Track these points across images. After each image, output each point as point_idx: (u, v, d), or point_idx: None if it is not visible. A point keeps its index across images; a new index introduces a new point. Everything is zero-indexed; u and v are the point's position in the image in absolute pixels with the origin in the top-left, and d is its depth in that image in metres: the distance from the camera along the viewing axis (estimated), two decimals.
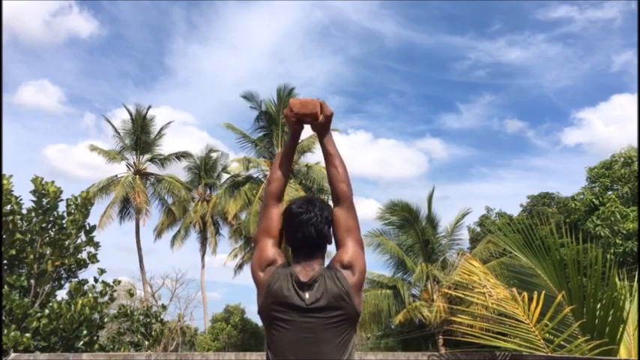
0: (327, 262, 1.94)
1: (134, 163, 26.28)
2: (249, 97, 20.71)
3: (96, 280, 7.07)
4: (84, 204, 7.10)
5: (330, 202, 2.13)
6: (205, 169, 29.07)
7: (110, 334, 8.32)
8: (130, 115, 25.93)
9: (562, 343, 3.84)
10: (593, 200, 19.15)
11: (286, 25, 63.18)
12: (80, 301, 6.43)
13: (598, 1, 53.56)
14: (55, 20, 55.05)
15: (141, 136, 25.91)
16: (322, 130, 1.99)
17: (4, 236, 6.37)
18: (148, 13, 58.82)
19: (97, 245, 7.21)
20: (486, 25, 60.58)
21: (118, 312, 7.70)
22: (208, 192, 29.05)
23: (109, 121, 26.32)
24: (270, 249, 1.89)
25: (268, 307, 1.80)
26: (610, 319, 3.82)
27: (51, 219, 6.85)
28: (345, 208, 1.92)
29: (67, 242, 6.90)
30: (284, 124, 20.45)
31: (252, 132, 21.16)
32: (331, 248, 2.05)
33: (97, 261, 7.22)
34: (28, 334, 5.78)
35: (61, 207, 6.98)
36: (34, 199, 6.74)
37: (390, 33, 61.05)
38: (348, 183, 1.96)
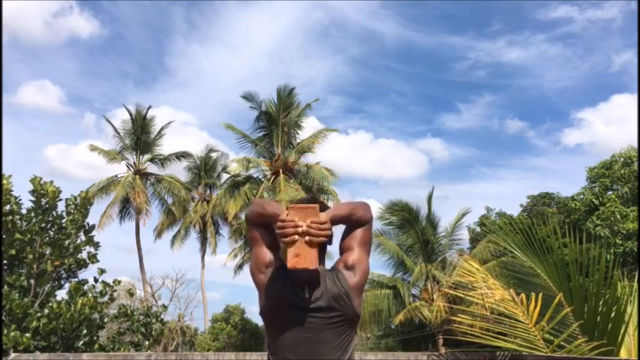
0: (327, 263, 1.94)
1: (134, 163, 26.28)
2: (249, 97, 20.70)
3: (96, 280, 7.06)
4: (83, 204, 7.10)
5: (330, 203, 2.12)
6: (205, 169, 29.06)
7: (110, 334, 8.31)
8: (130, 115, 25.95)
9: (562, 343, 3.84)
10: (593, 200, 19.15)
11: (286, 25, 63.20)
12: (80, 301, 6.42)
13: (598, 1, 53.58)
14: (56, 21, 55.11)
15: (141, 136, 25.89)
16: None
17: (3, 236, 6.37)
18: (147, 13, 58.85)
19: (96, 245, 7.21)
20: (486, 25, 60.62)
21: (118, 312, 7.70)
22: (208, 192, 29.04)
23: (109, 121, 26.36)
24: (266, 251, 1.89)
25: (269, 307, 1.81)
26: (611, 319, 3.81)
27: (50, 219, 6.85)
28: (366, 228, 1.92)
29: (66, 242, 6.90)
30: (284, 124, 20.44)
31: (252, 132, 21.17)
32: (331, 249, 2.04)
33: (97, 261, 7.22)
34: (27, 334, 5.77)
35: (61, 207, 6.99)
36: (33, 199, 6.73)
37: (390, 33, 61.08)
38: (370, 213, 1.94)
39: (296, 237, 1.65)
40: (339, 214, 1.84)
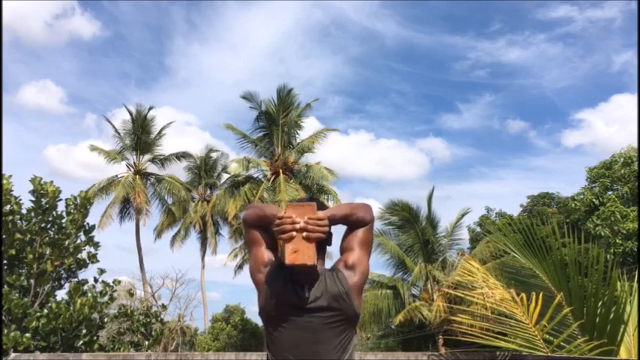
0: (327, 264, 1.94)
1: (134, 163, 26.27)
2: (248, 97, 20.68)
3: (96, 280, 7.06)
4: (83, 204, 7.10)
5: (330, 203, 2.12)
6: (205, 169, 29.05)
7: (110, 334, 8.31)
8: (131, 115, 25.95)
9: (562, 343, 3.84)
10: (593, 200, 19.16)
11: (286, 25, 63.26)
12: (80, 301, 6.42)
13: (598, 1, 53.59)
14: (57, 22, 55.19)
15: (141, 136, 25.89)
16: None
17: (3, 236, 6.37)
18: (148, 13, 58.90)
19: (96, 245, 7.21)
20: (486, 25, 60.70)
21: (118, 312, 7.69)
22: (208, 192, 29.03)
23: (109, 121, 26.39)
24: (265, 251, 1.89)
25: (269, 307, 1.80)
26: (610, 319, 3.81)
27: (50, 219, 6.84)
28: (367, 228, 1.91)
29: (66, 242, 6.89)
30: (284, 124, 20.43)
31: (252, 132, 21.16)
32: (331, 249, 2.04)
33: (97, 261, 7.21)
34: (27, 334, 5.77)
35: (61, 207, 6.99)
36: (33, 198, 6.73)
37: (390, 33, 61.16)
38: (371, 214, 1.93)
39: (294, 233, 1.65)
40: (339, 213, 1.84)
